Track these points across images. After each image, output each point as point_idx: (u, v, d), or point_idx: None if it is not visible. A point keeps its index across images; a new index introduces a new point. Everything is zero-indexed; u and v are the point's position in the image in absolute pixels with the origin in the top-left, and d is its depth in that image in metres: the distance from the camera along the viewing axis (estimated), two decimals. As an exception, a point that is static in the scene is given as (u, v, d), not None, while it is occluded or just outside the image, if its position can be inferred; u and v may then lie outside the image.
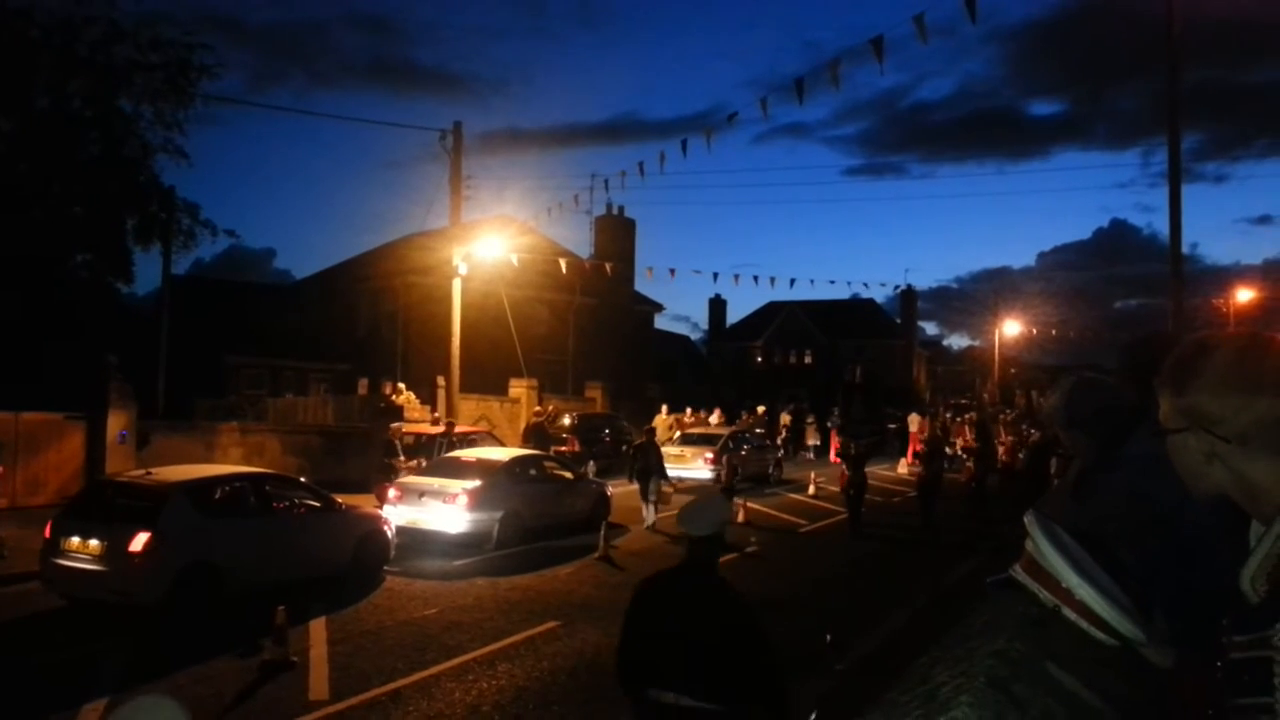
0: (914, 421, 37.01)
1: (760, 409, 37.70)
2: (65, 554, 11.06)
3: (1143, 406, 3.00)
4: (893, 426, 41.70)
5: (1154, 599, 1.80)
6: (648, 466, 18.96)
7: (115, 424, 19.10)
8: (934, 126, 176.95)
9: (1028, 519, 1.82)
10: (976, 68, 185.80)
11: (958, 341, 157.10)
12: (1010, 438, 28.63)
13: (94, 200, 24.06)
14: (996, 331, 56.80)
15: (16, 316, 21.69)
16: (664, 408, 32.44)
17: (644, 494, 18.86)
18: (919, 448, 30.16)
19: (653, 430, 21.04)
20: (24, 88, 23.06)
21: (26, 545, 13.13)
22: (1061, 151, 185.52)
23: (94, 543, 10.92)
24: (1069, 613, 1.68)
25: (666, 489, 19.11)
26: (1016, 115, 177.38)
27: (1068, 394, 3.29)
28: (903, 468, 31.01)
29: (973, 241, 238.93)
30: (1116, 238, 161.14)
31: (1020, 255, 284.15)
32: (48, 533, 11.42)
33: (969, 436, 32.02)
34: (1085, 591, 1.66)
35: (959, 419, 40.46)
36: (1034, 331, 58.86)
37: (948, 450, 27.20)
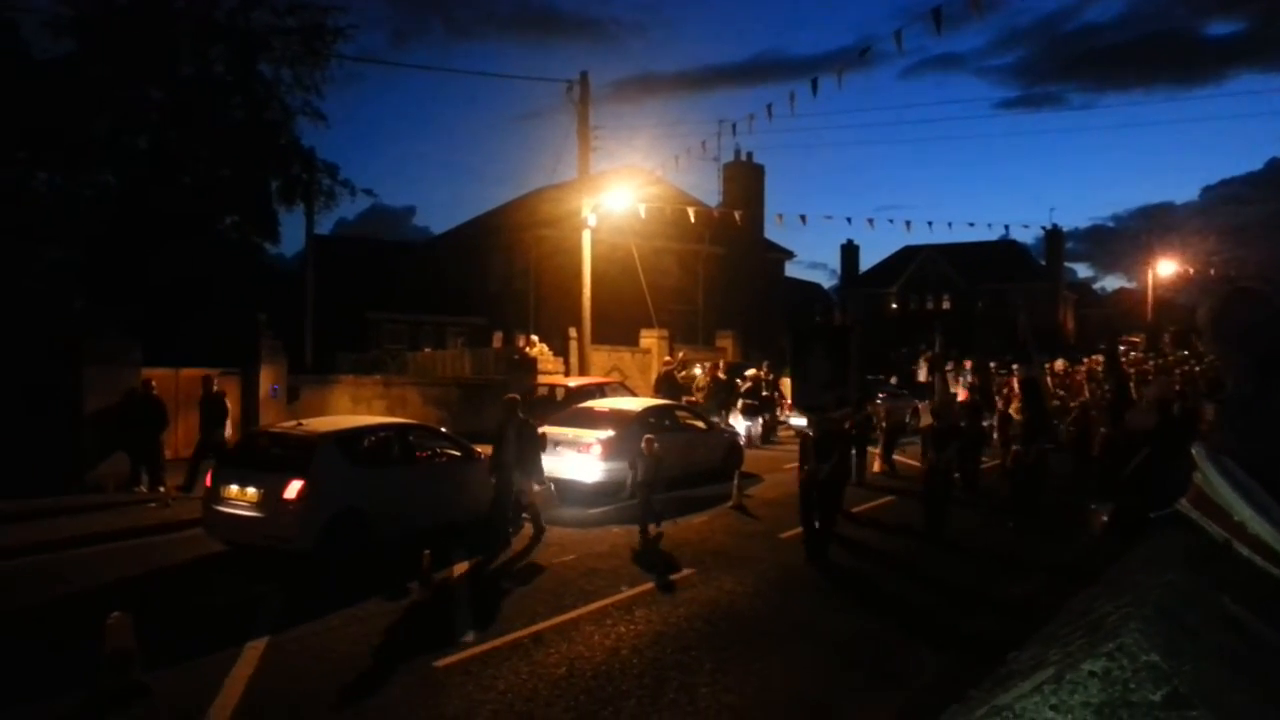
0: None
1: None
2: (225, 501, 11.64)
3: None
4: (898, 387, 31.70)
5: None
6: (501, 459, 13.19)
7: (267, 378, 19.98)
8: (1099, 51, 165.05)
9: (1196, 451, 1.72)
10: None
11: (1113, 283, 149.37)
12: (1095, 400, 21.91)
13: (239, 163, 25.01)
14: (1150, 272, 54.05)
15: (172, 277, 22.80)
16: (678, 353, 26.20)
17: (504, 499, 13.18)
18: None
19: (515, 401, 13.90)
20: (169, 57, 24.02)
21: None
22: (1237, 75, 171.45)
23: (251, 491, 11.45)
24: (1241, 547, 1.58)
25: (538, 489, 13.43)
26: (1190, 37, 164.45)
27: (1219, 305, 3.02)
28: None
29: (1133, 176, 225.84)
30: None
31: (1184, 189, 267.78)
32: (209, 481, 12.06)
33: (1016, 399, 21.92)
34: (1260, 525, 1.56)
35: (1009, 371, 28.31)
36: (1191, 271, 55.78)
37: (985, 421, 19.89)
